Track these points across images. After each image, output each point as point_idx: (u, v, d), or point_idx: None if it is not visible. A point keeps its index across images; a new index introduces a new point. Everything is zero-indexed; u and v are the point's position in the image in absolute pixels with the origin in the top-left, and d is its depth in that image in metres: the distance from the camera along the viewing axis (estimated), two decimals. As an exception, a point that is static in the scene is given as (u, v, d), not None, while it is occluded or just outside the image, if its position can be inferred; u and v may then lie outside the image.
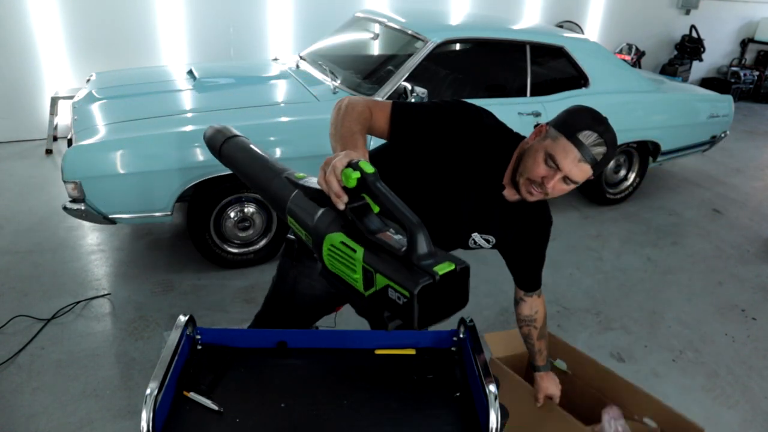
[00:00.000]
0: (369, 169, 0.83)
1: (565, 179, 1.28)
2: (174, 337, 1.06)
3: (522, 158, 1.31)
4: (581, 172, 1.25)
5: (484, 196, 1.40)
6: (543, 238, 1.58)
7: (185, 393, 1.03)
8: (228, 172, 2.68)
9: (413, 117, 1.30)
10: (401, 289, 0.76)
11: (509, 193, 1.40)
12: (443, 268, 0.77)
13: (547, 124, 1.32)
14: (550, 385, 1.72)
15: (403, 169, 1.36)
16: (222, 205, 2.83)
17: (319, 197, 0.90)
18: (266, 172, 1.09)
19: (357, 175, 0.82)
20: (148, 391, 0.91)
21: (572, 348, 2.00)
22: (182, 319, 1.11)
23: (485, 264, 3.26)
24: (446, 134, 1.31)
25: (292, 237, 1.47)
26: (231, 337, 1.17)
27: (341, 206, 0.85)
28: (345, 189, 0.84)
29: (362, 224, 0.84)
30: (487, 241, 1.48)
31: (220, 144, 1.15)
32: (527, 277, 1.62)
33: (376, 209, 0.85)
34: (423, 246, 0.78)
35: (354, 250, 0.82)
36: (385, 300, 0.79)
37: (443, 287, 0.77)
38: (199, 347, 1.15)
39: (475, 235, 1.46)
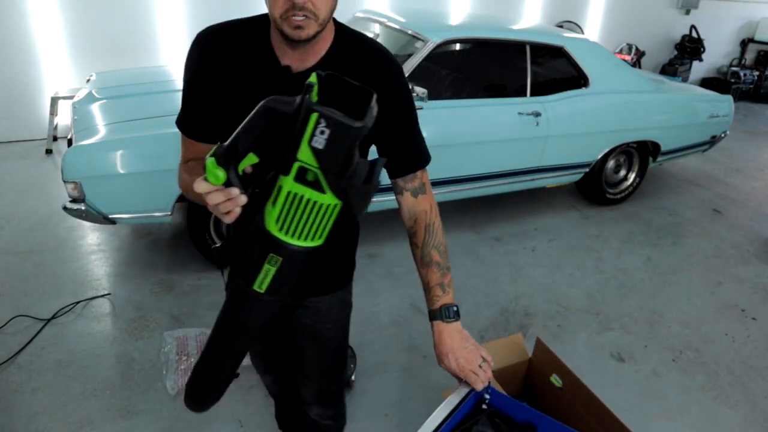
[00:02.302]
0: (214, 150, 0.76)
1: None
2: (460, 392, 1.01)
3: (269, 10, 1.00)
4: None
5: (275, 85, 1.06)
6: (392, 86, 1.10)
7: None
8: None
9: (187, 108, 1.17)
10: (309, 126, 0.71)
11: (292, 60, 1.05)
12: (311, 79, 0.75)
13: None
14: (462, 347, 1.21)
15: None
16: (222, 205, 2.83)
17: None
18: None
19: (212, 160, 0.76)
20: None
21: (567, 369, 1.96)
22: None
23: (485, 264, 3.26)
24: (214, 77, 1.09)
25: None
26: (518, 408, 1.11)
27: (243, 200, 0.78)
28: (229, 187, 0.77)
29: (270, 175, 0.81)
30: None
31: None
32: (392, 152, 1.15)
33: (255, 159, 0.79)
34: (285, 101, 0.75)
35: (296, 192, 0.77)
36: (331, 157, 0.73)
37: (330, 95, 0.76)
38: (485, 407, 1.10)
39: None
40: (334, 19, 1.08)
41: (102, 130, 2.62)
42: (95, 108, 2.90)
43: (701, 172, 5.07)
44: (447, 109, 3.16)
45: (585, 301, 2.99)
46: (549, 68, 3.64)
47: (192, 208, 2.79)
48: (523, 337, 2.08)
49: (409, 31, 3.24)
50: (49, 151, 4.40)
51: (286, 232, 0.79)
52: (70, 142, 2.76)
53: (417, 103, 2.96)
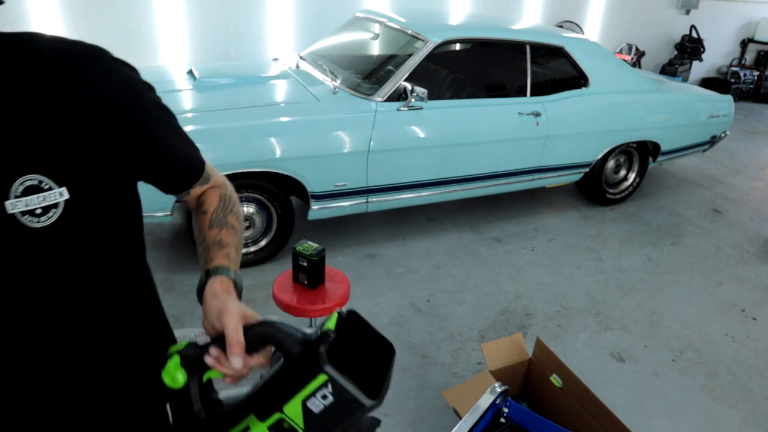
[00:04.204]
0: (181, 345, 0.65)
1: None
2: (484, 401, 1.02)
3: None
4: None
5: None
6: (134, 101, 0.73)
7: None
8: (228, 171, 2.69)
9: None
10: (312, 384, 0.60)
11: None
12: (330, 323, 0.63)
13: None
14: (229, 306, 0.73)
15: None
16: (222, 205, 2.83)
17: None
18: None
19: (176, 359, 0.64)
20: None
21: (567, 369, 1.96)
22: (498, 388, 1.06)
23: (485, 264, 3.26)
24: None
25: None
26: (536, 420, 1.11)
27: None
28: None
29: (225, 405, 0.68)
30: (45, 189, 0.65)
31: None
32: (158, 177, 0.82)
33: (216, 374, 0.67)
34: (292, 332, 0.62)
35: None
36: (322, 419, 0.61)
37: (346, 341, 0.63)
38: (503, 420, 1.10)
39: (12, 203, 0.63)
40: None
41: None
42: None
43: (701, 172, 5.07)
44: (447, 109, 3.16)
45: (585, 301, 2.99)
46: (549, 68, 3.64)
47: (192, 208, 2.79)
48: (523, 337, 2.09)
49: (409, 31, 3.24)
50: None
51: None
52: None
53: (417, 103, 2.98)
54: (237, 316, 0.65)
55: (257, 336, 0.64)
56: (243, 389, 0.69)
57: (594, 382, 1.90)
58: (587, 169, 3.83)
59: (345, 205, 3.03)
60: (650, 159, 4.15)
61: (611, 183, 4.17)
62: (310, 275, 2.10)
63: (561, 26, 6.34)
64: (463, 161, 3.25)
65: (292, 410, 0.62)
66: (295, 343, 0.62)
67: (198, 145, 0.93)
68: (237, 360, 0.63)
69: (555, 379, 1.91)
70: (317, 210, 2.98)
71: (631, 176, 4.20)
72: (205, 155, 0.94)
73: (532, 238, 3.61)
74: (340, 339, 0.64)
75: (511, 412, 1.17)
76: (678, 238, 3.81)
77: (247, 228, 2.96)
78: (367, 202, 3.08)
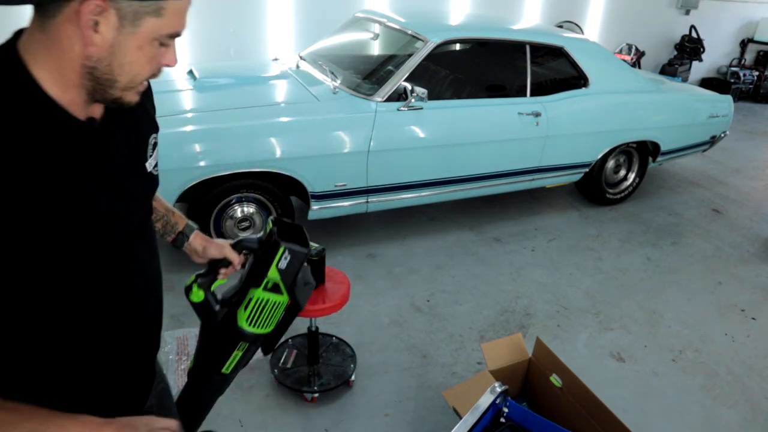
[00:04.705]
0: (194, 276, 1.11)
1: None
2: (484, 401, 1.06)
3: (89, 70, 0.75)
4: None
5: (85, 142, 0.80)
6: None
7: None
8: (228, 171, 2.69)
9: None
10: (278, 254, 1.07)
11: (92, 111, 0.82)
12: (268, 227, 1.13)
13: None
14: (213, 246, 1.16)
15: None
16: (222, 205, 2.83)
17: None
18: None
19: (195, 284, 1.10)
20: None
21: (567, 369, 1.95)
22: (498, 388, 1.10)
23: (485, 264, 3.26)
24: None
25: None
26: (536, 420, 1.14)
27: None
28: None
29: (227, 297, 1.13)
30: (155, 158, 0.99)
31: None
32: None
33: (223, 281, 1.15)
34: (253, 239, 1.15)
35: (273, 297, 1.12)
36: (291, 274, 1.09)
37: (281, 232, 1.11)
38: (503, 420, 1.13)
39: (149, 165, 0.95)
40: None
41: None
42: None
43: (701, 172, 5.07)
44: (447, 110, 3.17)
45: (585, 301, 2.99)
46: (549, 68, 3.64)
47: (192, 208, 2.79)
48: (523, 337, 2.09)
49: (409, 31, 3.24)
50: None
51: (253, 325, 1.11)
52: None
53: (417, 103, 2.98)
54: (228, 246, 1.15)
55: (240, 248, 1.16)
56: (232, 283, 1.15)
57: (594, 382, 1.89)
58: (587, 169, 3.83)
59: (345, 205, 3.03)
60: (650, 159, 4.16)
61: (611, 183, 4.17)
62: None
63: (561, 26, 6.34)
64: (463, 161, 3.26)
65: (272, 273, 1.08)
66: (257, 242, 1.14)
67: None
68: (238, 266, 1.15)
69: (555, 379, 1.91)
70: (317, 210, 2.98)
71: (631, 176, 4.20)
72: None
73: (532, 238, 3.62)
74: (278, 232, 1.11)
75: (511, 412, 1.18)
76: (678, 238, 3.81)
77: (247, 228, 2.96)
78: (367, 202, 3.08)
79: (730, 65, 8.57)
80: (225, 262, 1.13)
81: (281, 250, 1.06)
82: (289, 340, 2.42)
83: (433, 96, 3.08)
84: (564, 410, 1.81)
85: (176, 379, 2.20)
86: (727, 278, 3.33)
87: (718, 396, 2.40)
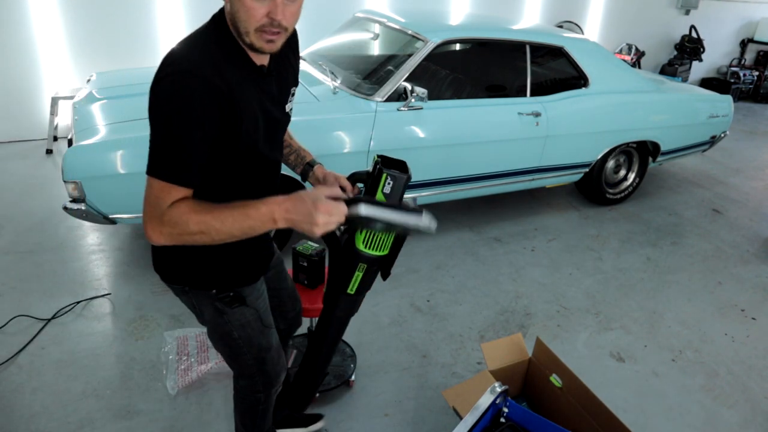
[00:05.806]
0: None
1: None
2: (484, 401, 1.07)
3: (232, 22, 1.12)
4: None
5: (261, 84, 1.22)
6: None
7: None
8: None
9: (194, 158, 1.12)
10: (382, 180, 1.24)
11: (260, 60, 1.21)
12: (374, 159, 1.32)
13: None
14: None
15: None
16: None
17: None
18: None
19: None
20: None
21: (567, 369, 1.95)
22: (498, 388, 1.11)
23: (484, 264, 3.26)
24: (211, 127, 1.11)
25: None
26: (536, 420, 1.15)
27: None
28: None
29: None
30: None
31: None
32: None
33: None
34: (362, 171, 1.38)
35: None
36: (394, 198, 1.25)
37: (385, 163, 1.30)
38: (503, 420, 1.14)
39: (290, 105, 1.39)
40: None
41: (102, 131, 2.63)
42: (96, 108, 2.91)
43: (701, 172, 5.07)
44: (447, 109, 3.17)
45: (585, 301, 2.99)
46: (549, 68, 3.64)
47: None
48: (522, 336, 2.09)
49: (409, 31, 3.24)
50: (49, 151, 4.40)
51: (369, 248, 1.30)
52: (70, 143, 2.76)
53: (417, 103, 2.98)
54: (343, 176, 1.43)
55: (353, 179, 1.39)
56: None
57: (594, 382, 1.90)
58: (587, 169, 3.83)
59: (345, 205, 3.03)
60: (650, 159, 4.16)
61: (611, 183, 4.17)
62: (310, 275, 2.11)
63: (561, 26, 6.34)
64: (463, 161, 3.25)
65: (379, 196, 1.25)
66: (366, 174, 1.33)
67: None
68: (351, 193, 1.36)
69: (555, 379, 1.91)
70: (317, 210, 2.97)
71: (631, 176, 4.20)
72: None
73: (532, 238, 3.62)
74: (382, 162, 1.29)
75: (511, 412, 1.18)
76: (678, 238, 3.81)
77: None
78: (367, 202, 3.07)
79: (730, 65, 8.57)
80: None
81: (384, 176, 1.23)
82: (289, 340, 2.41)
83: (433, 96, 3.08)
84: (564, 410, 1.81)
85: (176, 379, 2.20)
86: (727, 278, 3.34)
87: (718, 396, 2.40)
